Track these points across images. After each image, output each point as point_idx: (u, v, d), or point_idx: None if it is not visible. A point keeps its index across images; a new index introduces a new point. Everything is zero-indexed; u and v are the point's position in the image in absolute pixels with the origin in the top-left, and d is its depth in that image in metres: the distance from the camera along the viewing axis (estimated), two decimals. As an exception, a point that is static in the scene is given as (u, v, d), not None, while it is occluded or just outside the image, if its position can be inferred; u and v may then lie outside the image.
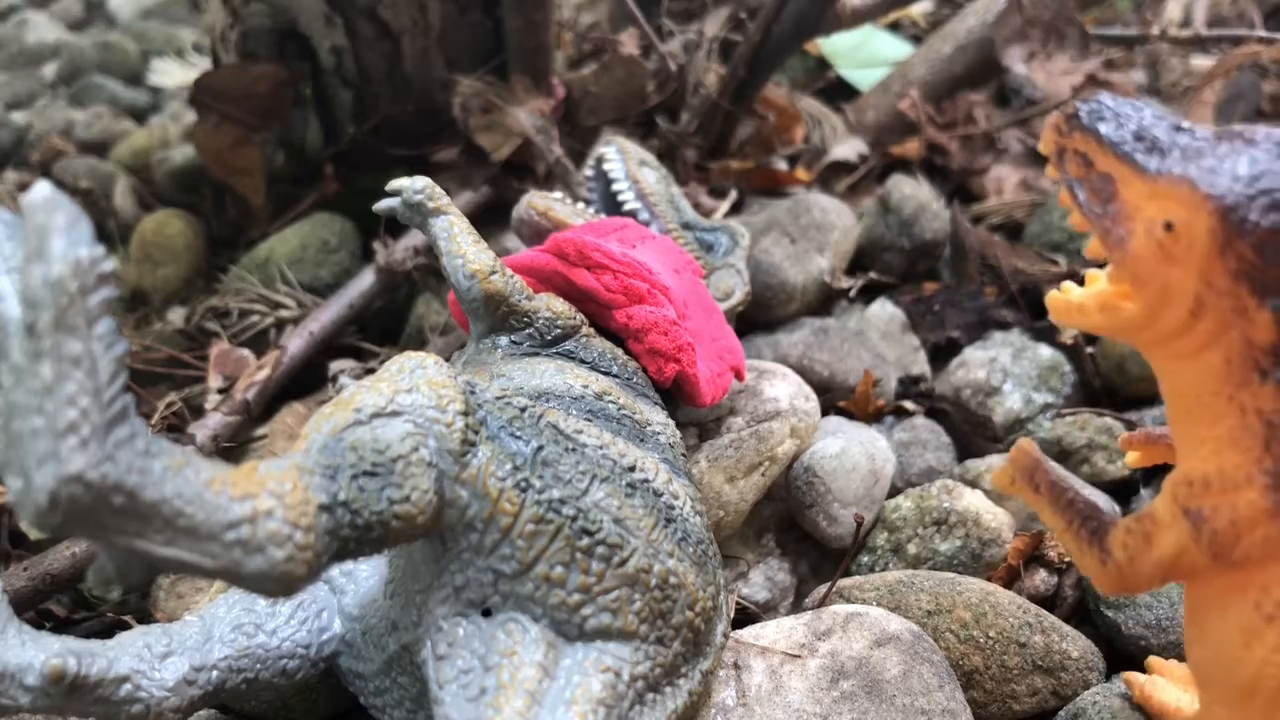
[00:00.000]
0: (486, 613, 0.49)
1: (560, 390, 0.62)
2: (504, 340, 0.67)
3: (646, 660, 0.51)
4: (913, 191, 1.10)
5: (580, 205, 0.86)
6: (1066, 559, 0.73)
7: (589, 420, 0.59)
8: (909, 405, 0.91)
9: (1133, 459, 0.61)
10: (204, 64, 1.48)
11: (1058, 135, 0.48)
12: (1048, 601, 0.73)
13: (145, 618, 0.76)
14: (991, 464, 0.82)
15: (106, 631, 0.71)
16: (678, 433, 0.67)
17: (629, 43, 1.27)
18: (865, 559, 0.77)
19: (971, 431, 0.89)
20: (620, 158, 0.91)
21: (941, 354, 1.00)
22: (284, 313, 1.08)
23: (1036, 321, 0.99)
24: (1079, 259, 1.04)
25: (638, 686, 0.51)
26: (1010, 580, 0.73)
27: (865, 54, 1.47)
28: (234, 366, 1.01)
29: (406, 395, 0.47)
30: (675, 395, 0.73)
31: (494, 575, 0.49)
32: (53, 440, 0.35)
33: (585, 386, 0.63)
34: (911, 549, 0.75)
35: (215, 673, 0.54)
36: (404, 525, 0.45)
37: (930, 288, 1.06)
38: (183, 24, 2.17)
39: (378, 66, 1.16)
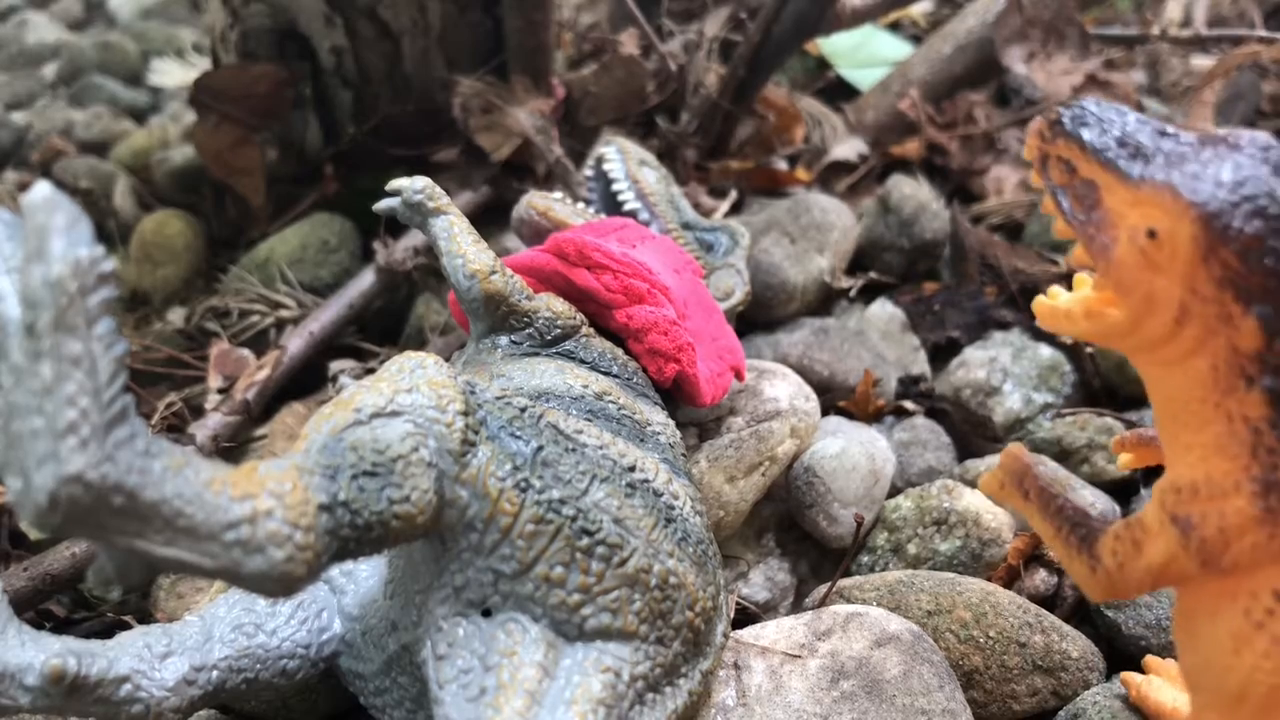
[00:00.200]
0: (486, 613, 0.49)
1: (560, 390, 0.62)
2: (504, 340, 0.67)
3: (646, 660, 0.51)
4: (913, 191, 1.10)
5: (580, 205, 0.86)
6: (1066, 559, 0.73)
7: (589, 420, 0.59)
8: (909, 405, 0.91)
9: (1125, 461, 0.61)
10: (204, 64, 1.48)
11: (1041, 141, 0.47)
12: (1048, 601, 0.73)
13: (145, 618, 0.76)
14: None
15: (106, 631, 0.71)
16: (678, 433, 0.67)
17: (629, 43, 1.27)
18: (865, 559, 0.77)
19: (971, 431, 0.89)
20: (620, 158, 0.91)
21: (941, 354, 1.00)
22: (284, 313, 1.08)
23: (1036, 321, 0.98)
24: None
25: (638, 686, 0.51)
26: (1010, 580, 0.73)
27: (865, 54, 1.47)
28: (234, 366, 1.01)
29: (406, 395, 0.47)
30: (675, 395, 0.73)
31: (494, 575, 0.49)
32: (52, 440, 0.35)
33: (585, 386, 0.63)
34: (911, 549, 0.75)
35: (215, 673, 0.54)
36: (404, 525, 0.45)
37: (930, 288, 1.06)
38: (183, 24, 2.18)
39: (378, 66, 1.16)
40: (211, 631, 0.55)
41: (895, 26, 1.60)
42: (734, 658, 0.61)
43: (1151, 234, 0.43)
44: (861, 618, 0.63)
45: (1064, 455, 0.85)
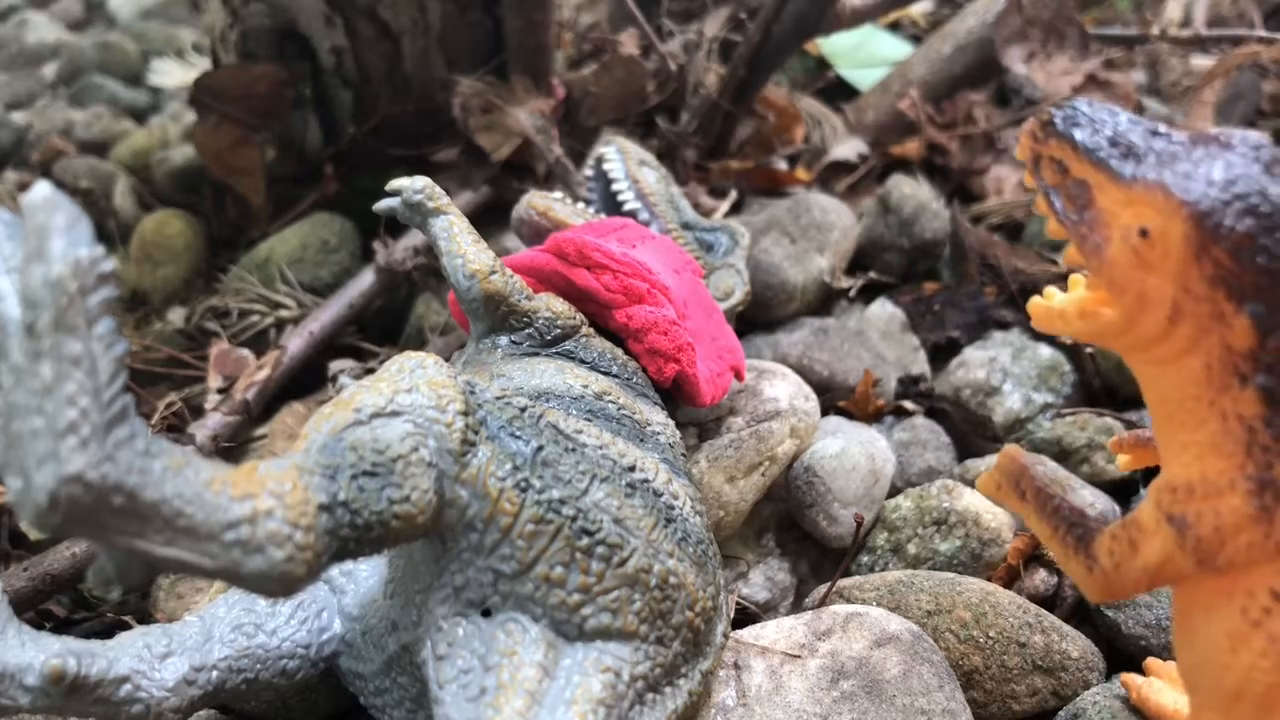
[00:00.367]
0: (486, 613, 0.49)
1: (560, 390, 0.62)
2: (504, 340, 0.67)
3: (646, 660, 0.51)
4: (913, 191, 1.10)
5: (580, 205, 0.86)
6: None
7: (589, 420, 0.59)
8: (909, 405, 0.91)
9: (1123, 462, 0.61)
10: (204, 64, 1.48)
11: (1033, 142, 0.47)
12: (1048, 601, 0.73)
13: (145, 618, 0.76)
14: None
15: (106, 631, 0.71)
16: (678, 433, 0.67)
17: (629, 43, 1.27)
18: (865, 559, 0.77)
19: (971, 431, 0.89)
20: (620, 158, 0.91)
21: (941, 354, 1.00)
22: (284, 313, 1.08)
23: (1031, 322, 0.98)
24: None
25: (638, 686, 0.51)
26: (1010, 580, 0.73)
27: (865, 54, 1.47)
28: (234, 366, 1.01)
29: (406, 395, 0.47)
30: (675, 395, 0.73)
31: (494, 575, 0.49)
32: (53, 440, 0.35)
33: (585, 386, 0.63)
34: (911, 549, 0.75)
35: (215, 673, 0.54)
36: (404, 525, 0.45)
37: (930, 288, 1.06)
38: (183, 24, 2.18)
39: (378, 66, 1.16)
40: (211, 631, 0.55)
41: (895, 26, 1.60)
42: (734, 658, 0.61)
43: (1144, 233, 0.43)
44: (861, 618, 0.63)
45: (1064, 455, 0.85)
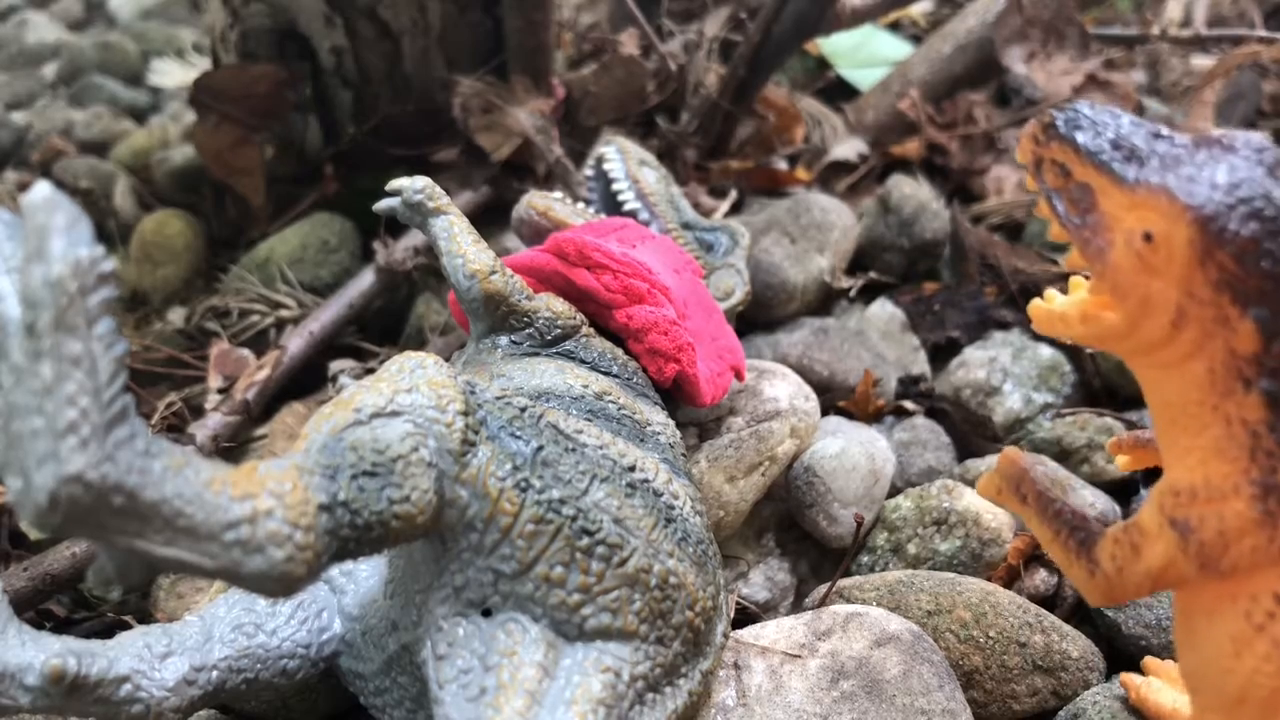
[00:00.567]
0: (486, 613, 0.49)
1: (560, 390, 0.62)
2: (504, 340, 0.67)
3: (646, 660, 0.51)
4: (913, 191, 1.10)
5: (580, 205, 0.86)
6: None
7: (589, 420, 0.59)
8: (909, 405, 0.91)
9: (1123, 463, 0.61)
10: (204, 64, 1.48)
11: (1035, 145, 0.47)
12: (1048, 601, 0.73)
13: (145, 618, 0.76)
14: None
15: (106, 631, 0.71)
16: (678, 433, 0.67)
17: (629, 43, 1.27)
18: (865, 559, 0.77)
19: (971, 431, 0.89)
20: (620, 158, 0.91)
21: (941, 354, 1.00)
22: (284, 313, 1.08)
23: (1032, 326, 0.98)
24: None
25: (638, 686, 0.51)
26: (1010, 580, 0.73)
27: (865, 54, 1.47)
28: (234, 366, 1.01)
29: (406, 395, 0.47)
30: (675, 395, 0.73)
31: (494, 575, 0.49)
32: (53, 440, 0.35)
33: (585, 386, 0.63)
34: (911, 549, 0.75)
35: (215, 673, 0.54)
36: (404, 525, 0.45)
37: (930, 288, 1.06)
38: (183, 24, 2.18)
39: (378, 66, 1.16)
40: (211, 631, 0.55)
41: (895, 26, 1.60)
42: (734, 658, 0.61)
43: (1148, 237, 0.43)
44: (861, 618, 0.63)
45: (1064, 455, 0.85)
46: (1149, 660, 0.63)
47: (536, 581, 0.49)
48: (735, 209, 1.14)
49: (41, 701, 0.49)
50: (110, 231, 1.29)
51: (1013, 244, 1.12)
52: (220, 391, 0.98)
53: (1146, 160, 0.44)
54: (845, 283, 1.05)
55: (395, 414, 0.46)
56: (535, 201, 0.84)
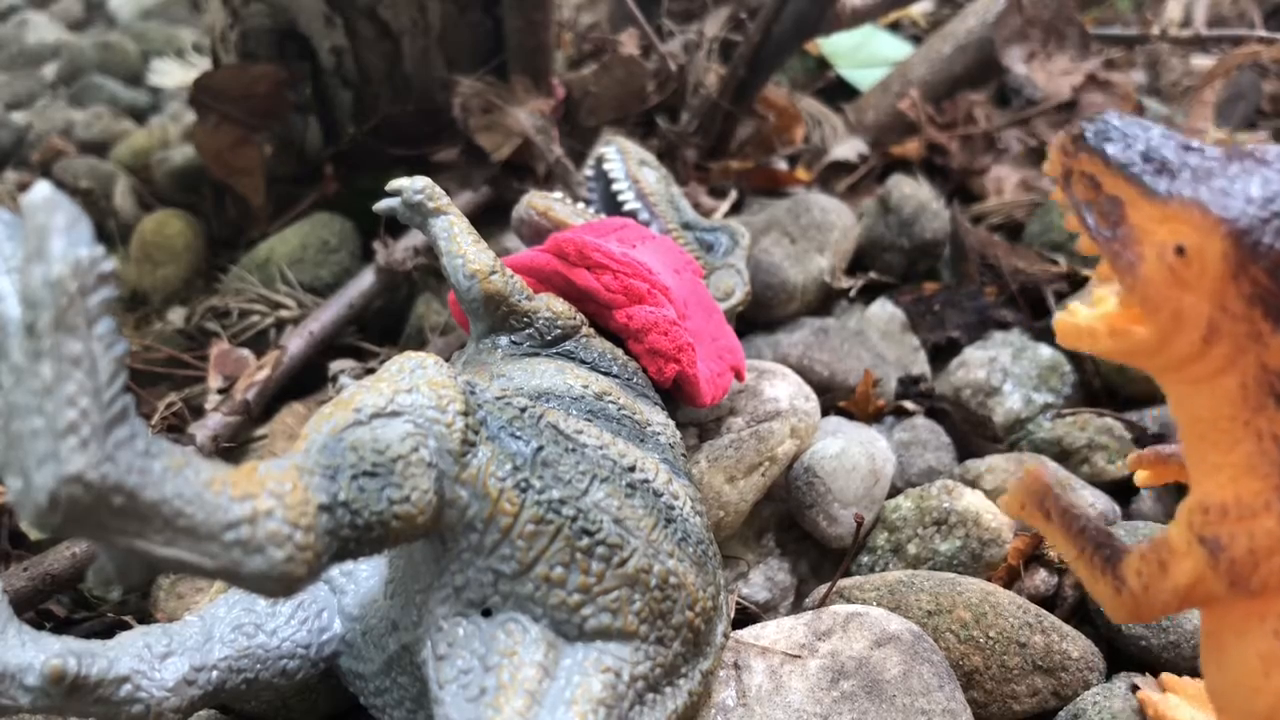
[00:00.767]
0: (486, 613, 0.49)
1: (560, 390, 0.62)
2: (504, 340, 0.67)
3: (646, 660, 0.51)
4: (913, 191, 1.10)
5: (580, 205, 0.86)
6: (1066, 559, 0.72)
7: (589, 420, 0.59)
8: (909, 405, 0.91)
9: (1142, 479, 0.60)
10: (204, 64, 1.48)
11: (1064, 156, 0.46)
12: (1048, 601, 0.73)
13: (145, 618, 0.76)
14: (991, 464, 0.82)
15: (106, 631, 0.71)
16: (678, 433, 0.67)
17: (629, 43, 1.27)
18: (865, 559, 0.77)
19: (971, 431, 0.89)
20: (620, 158, 0.91)
21: (941, 354, 1.00)
22: (284, 313, 1.08)
23: (1036, 321, 0.99)
24: (1079, 258, 1.05)
25: (638, 686, 0.51)
26: (1010, 580, 0.73)
27: (865, 54, 1.47)
28: (234, 366, 1.01)
29: (406, 395, 0.47)
30: (675, 395, 0.73)
31: (494, 575, 0.49)
32: (53, 440, 0.35)
33: (585, 386, 0.63)
34: (911, 549, 0.75)
35: (215, 673, 0.54)
36: (404, 525, 0.45)
37: (930, 288, 1.06)
38: (183, 24, 2.18)
39: (378, 66, 1.16)
40: (211, 631, 0.55)
41: (895, 26, 1.60)
42: (734, 658, 0.61)
43: (1180, 251, 0.42)
44: (861, 618, 0.63)
45: (1064, 455, 0.85)
46: (1167, 677, 0.62)
47: (536, 582, 0.49)
48: (735, 209, 1.14)
49: (41, 702, 0.49)
50: (110, 231, 1.29)
51: (1013, 244, 1.12)
52: (220, 392, 0.98)
53: (1178, 173, 0.43)
54: (845, 283, 1.05)
55: (395, 414, 0.46)
56: (535, 201, 0.84)
